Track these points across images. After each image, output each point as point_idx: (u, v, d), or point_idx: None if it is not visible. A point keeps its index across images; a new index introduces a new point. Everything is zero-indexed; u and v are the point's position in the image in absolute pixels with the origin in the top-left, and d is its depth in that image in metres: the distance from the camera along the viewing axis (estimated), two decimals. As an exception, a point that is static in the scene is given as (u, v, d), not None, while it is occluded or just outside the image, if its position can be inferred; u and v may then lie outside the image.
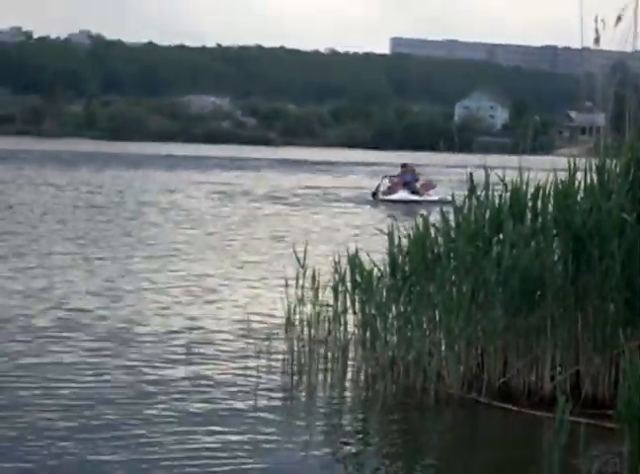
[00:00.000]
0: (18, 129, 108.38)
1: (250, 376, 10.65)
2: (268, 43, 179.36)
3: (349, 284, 10.96)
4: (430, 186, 34.21)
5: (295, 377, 10.87)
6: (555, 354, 10.21)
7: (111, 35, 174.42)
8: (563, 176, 10.34)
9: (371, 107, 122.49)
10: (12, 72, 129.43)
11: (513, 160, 11.45)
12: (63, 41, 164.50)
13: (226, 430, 8.70)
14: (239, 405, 9.60)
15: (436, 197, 30.01)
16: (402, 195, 33.81)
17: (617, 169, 10.11)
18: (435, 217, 11.35)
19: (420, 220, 10.98)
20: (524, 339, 10.23)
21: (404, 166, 35.94)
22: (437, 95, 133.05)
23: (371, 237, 17.75)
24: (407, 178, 34.72)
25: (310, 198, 37.08)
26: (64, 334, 12.70)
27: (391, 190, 34.44)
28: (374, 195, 34.64)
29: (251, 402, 9.79)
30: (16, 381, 10.06)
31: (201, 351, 11.89)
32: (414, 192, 34.05)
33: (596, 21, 10.30)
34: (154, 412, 9.34)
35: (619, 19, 10.20)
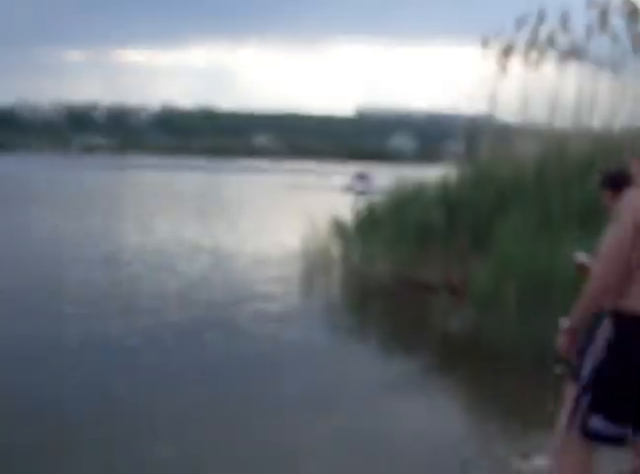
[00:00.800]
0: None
1: (282, 279, 13.72)
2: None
3: (334, 231, 14.86)
4: (371, 180, 46.47)
5: (306, 282, 14.04)
6: (438, 264, 12.39)
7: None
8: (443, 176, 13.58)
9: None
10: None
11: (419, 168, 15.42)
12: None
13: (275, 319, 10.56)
14: (272, 301, 11.83)
15: (377, 188, 38.43)
16: (359, 186, 45.52)
17: (469, 173, 13.33)
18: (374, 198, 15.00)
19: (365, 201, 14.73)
20: (423, 256, 12.73)
21: (360, 174, 50.43)
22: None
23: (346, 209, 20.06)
24: (360, 176, 49.31)
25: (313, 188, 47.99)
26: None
27: (353, 183, 47.69)
28: (344, 187, 46.89)
29: (281, 294, 12.42)
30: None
31: (258, 264, 15.32)
32: (365, 184, 45.96)
33: (460, 98, 14.21)
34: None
35: (471, 97, 13.33)
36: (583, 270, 4.82)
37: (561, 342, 4.03)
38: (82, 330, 9.36)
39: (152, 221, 24.49)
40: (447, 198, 12.90)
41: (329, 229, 14.87)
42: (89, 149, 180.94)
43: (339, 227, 14.70)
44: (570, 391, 4.48)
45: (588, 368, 3.97)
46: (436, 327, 9.61)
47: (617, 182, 4.96)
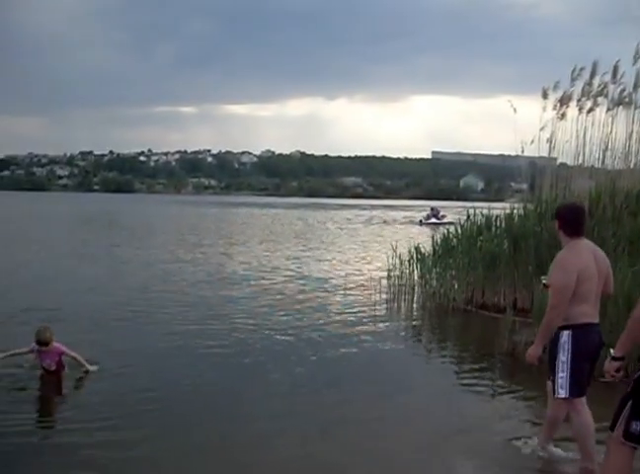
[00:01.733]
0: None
1: (370, 300, 13.97)
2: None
3: (414, 258, 14.87)
4: (444, 216, 45.38)
5: (391, 302, 13.99)
6: (506, 288, 12.60)
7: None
8: (509, 211, 13.53)
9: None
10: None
11: (487, 204, 14.89)
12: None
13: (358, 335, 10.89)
14: (363, 318, 12.25)
15: (447, 221, 39.15)
16: (433, 220, 45.49)
17: (532, 208, 13.12)
18: (446, 230, 14.85)
19: (443, 231, 14.73)
20: (492, 281, 12.82)
21: (432, 209, 48.77)
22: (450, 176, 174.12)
23: (423, 239, 21.81)
24: (434, 212, 47.37)
25: (392, 222, 48.94)
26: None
27: (428, 217, 46.89)
28: (420, 221, 46.98)
29: (370, 312, 12.74)
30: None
31: (349, 287, 15.51)
32: (438, 218, 45.63)
33: (523, 142, 13.05)
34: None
35: (532, 141, 13.06)
36: (547, 288, 5.70)
37: (530, 354, 5.70)
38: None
39: (258, 250, 24.83)
40: (513, 230, 12.87)
41: (410, 257, 15.01)
42: (201, 189, 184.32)
43: (419, 255, 14.72)
44: (549, 387, 5.79)
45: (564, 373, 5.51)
46: (503, 341, 9.68)
47: (561, 214, 5.79)
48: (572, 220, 5.72)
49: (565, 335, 5.46)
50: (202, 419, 6.92)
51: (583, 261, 5.52)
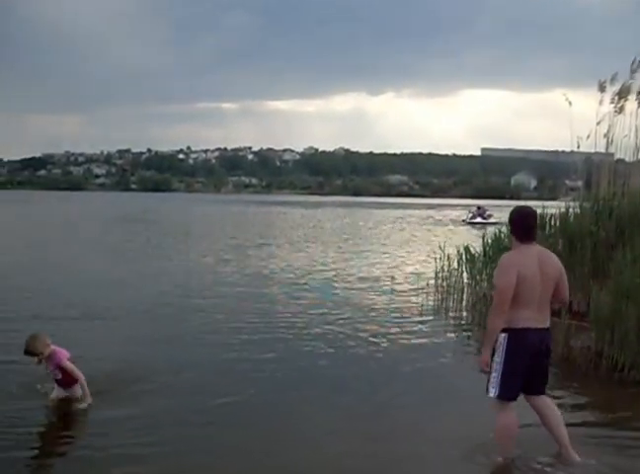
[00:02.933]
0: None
1: (417, 302, 14.40)
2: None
3: (464, 259, 15.00)
4: (491, 215, 45.92)
5: (439, 302, 14.54)
6: None
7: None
8: (563, 209, 13.31)
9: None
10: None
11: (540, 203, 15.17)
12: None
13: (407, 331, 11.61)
14: (415, 318, 12.84)
15: (494, 221, 40.11)
16: (479, 219, 46.20)
17: (588, 207, 12.87)
18: (497, 230, 14.68)
19: (494, 231, 14.61)
20: None
21: (479, 207, 48.95)
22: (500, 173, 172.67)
23: (471, 239, 22.59)
24: (480, 211, 47.78)
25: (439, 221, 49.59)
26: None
27: (473, 217, 47.53)
28: (464, 220, 47.94)
29: (417, 313, 13.32)
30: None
31: (399, 287, 16.30)
32: (484, 217, 46.15)
33: (578, 138, 13.07)
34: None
35: (588, 136, 13.02)
36: None
37: (480, 360, 5.98)
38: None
39: (305, 250, 25.29)
40: (568, 230, 12.71)
41: (459, 257, 15.12)
42: (241, 188, 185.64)
43: (468, 256, 14.80)
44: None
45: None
46: (558, 343, 9.61)
47: (511, 219, 6.12)
48: (521, 225, 5.99)
49: (502, 337, 5.81)
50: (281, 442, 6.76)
51: (523, 263, 5.76)
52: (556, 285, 5.96)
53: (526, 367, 5.89)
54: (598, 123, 12.98)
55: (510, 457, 6.07)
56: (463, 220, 47.52)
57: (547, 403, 6.19)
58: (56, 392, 7.63)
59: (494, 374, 5.90)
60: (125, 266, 19.71)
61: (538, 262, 5.86)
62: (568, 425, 6.54)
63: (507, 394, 5.94)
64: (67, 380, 7.58)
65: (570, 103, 13.55)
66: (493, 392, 5.91)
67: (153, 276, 17.60)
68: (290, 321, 12.12)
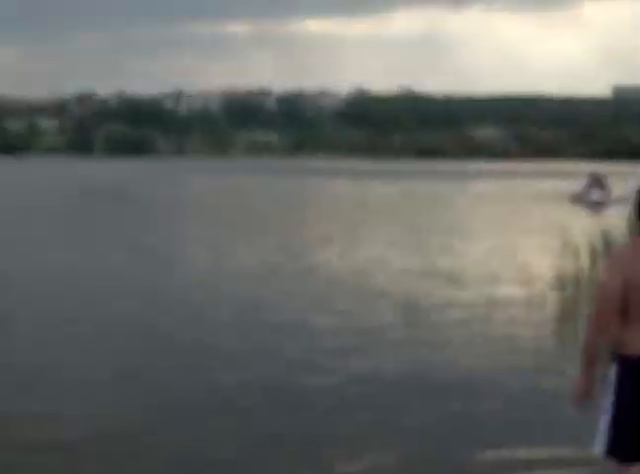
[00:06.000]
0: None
1: (532, 315, 14.74)
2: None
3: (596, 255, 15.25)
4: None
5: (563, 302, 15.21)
6: None
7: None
8: None
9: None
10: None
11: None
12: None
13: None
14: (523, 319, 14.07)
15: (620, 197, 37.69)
16: (595, 195, 45.30)
17: None
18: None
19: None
20: None
21: (595, 177, 47.64)
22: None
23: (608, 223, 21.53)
24: (596, 183, 46.62)
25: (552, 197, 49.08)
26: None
27: (585, 192, 46.37)
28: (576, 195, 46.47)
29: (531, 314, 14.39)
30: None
31: (507, 282, 17.22)
32: (603, 192, 45.55)
33: None
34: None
35: None
36: None
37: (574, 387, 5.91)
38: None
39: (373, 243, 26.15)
40: None
41: (591, 253, 15.64)
42: (256, 150, 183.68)
43: (594, 250, 15.45)
44: None
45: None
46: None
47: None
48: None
49: (612, 369, 5.85)
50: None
51: (635, 265, 5.66)
52: None
53: None
54: None
55: None
56: (578, 198, 45.78)
57: None
58: None
59: (602, 422, 5.82)
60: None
61: None
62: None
63: (619, 451, 5.79)
64: None
65: None
66: (598, 447, 5.85)
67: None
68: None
